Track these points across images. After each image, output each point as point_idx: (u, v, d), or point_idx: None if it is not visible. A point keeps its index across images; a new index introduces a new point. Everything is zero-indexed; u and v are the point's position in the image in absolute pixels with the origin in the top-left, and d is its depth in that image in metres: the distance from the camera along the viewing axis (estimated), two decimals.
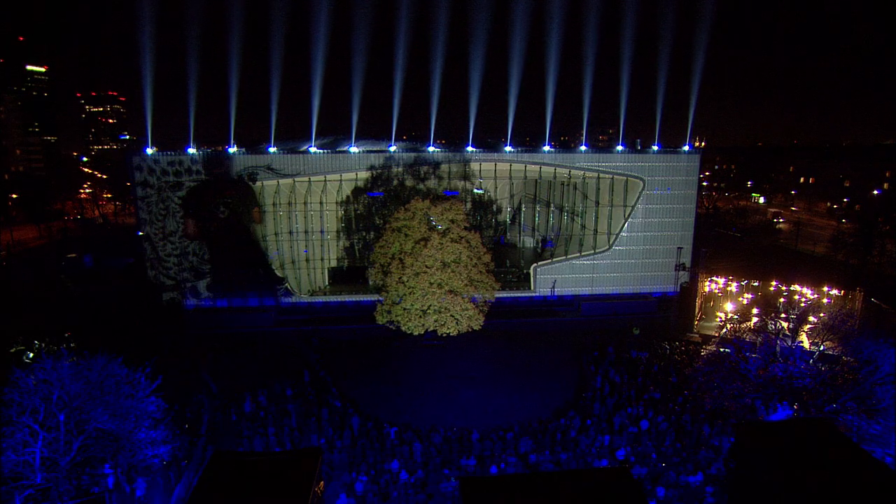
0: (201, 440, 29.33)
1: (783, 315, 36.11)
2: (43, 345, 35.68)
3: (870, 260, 62.78)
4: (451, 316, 37.72)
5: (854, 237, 64.62)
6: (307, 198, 49.47)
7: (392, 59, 52.37)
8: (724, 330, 44.13)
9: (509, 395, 35.21)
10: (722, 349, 35.89)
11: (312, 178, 48.32)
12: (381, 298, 40.36)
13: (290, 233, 49.74)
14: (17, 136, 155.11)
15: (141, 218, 46.42)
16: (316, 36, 50.33)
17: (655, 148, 50.40)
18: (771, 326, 33.83)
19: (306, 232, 50.18)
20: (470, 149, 49.32)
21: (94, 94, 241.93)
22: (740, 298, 48.96)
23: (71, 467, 21.32)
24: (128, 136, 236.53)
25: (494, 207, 59.40)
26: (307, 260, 50.75)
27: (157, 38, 48.02)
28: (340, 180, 49.50)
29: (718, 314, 48.57)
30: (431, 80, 52.15)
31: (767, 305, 43.11)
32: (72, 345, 33.64)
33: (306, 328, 46.44)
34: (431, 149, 49.55)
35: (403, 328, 38.23)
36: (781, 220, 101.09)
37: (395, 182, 49.14)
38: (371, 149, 49.16)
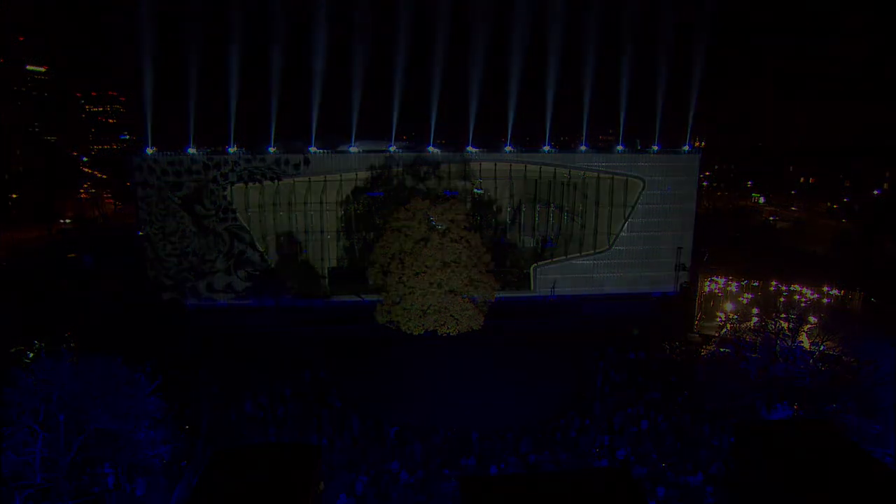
0: (201, 440, 29.31)
1: (783, 315, 36.06)
2: (43, 345, 35.61)
3: (870, 260, 62.70)
4: (451, 316, 37.70)
5: (854, 237, 64.59)
6: (307, 198, 49.44)
7: (392, 58, 52.30)
8: (724, 330, 44.08)
9: (509, 395, 35.20)
10: (722, 349, 35.87)
11: (312, 178, 48.30)
12: (381, 298, 40.34)
13: (291, 233, 49.72)
14: (17, 136, 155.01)
15: (141, 218, 46.41)
16: (316, 35, 50.33)
17: (655, 148, 50.37)
18: (771, 326, 33.80)
19: (306, 232, 50.17)
20: (470, 149, 49.30)
21: (94, 94, 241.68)
22: (740, 298, 48.92)
23: (71, 467, 21.33)
24: (128, 136, 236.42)
25: (494, 207, 59.31)
26: (307, 260, 50.74)
27: (156, 37, 48.00)
28: (340, 180, 49.47)
29: (718, 314, 48.54)
30: (431, 79, 52.06)
31: (767, 305, 43.06)
32: (72, 345, 33.59)
33: (306, 328, 46.42)
34: (431, 149, 49.51)
35: (403, 328, 38.20)
36: (778, 219, 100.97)
37: (395, 182, 49.10)
38: (371, 148, 49.13)
